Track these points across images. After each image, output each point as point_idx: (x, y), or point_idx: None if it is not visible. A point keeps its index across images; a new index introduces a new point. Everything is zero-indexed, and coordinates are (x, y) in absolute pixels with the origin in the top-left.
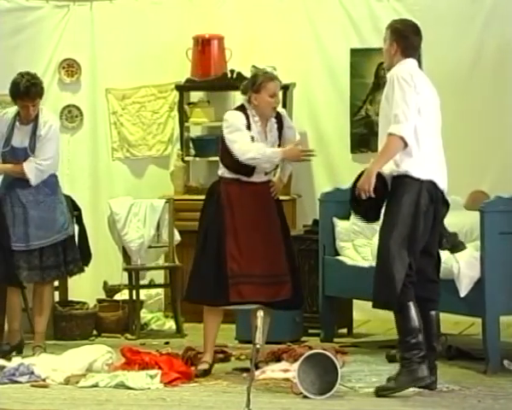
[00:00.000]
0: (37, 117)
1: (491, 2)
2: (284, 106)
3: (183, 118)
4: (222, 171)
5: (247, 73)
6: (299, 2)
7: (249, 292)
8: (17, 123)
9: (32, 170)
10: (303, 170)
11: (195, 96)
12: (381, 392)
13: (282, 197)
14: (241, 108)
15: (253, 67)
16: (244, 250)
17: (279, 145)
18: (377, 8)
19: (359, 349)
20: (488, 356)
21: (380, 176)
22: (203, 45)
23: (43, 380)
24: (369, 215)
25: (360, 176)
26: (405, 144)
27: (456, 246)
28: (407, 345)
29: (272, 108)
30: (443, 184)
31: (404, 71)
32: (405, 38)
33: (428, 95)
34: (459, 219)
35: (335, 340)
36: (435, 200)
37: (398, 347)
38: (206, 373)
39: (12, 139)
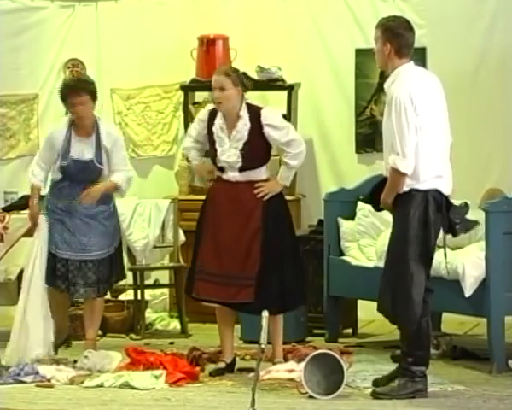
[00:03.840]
0: (97, 128)
1: (497, 2)
2: (289, 106)
3: (188, 118)
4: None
5: (252, 74)
6: (303, 3)
7: (205, 290)
8: (73, 134)
9: (124, 181)
10: (307, 170)
11: (200, 96)
12: (378, 395)
13: (286, 197)
14: None
15: (258, 67)
16: (211, 248)
17: (249, 141)
18: (382, 8)
19: (364, 349)
20: (493, 356)
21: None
22: (208, 45)
23: (48, 380)
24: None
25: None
26: (407, 177)
27: (469, 228)
28: (415, 359)
29: (215, 104)
30: (447, 190)
31: (403, 94)
32: (399, 35)
33: (431, 105)
34: None
35: (340, 340)
36: (440, 207)
37: (403, 357)
38: (220, 372)
39: (70, 152)
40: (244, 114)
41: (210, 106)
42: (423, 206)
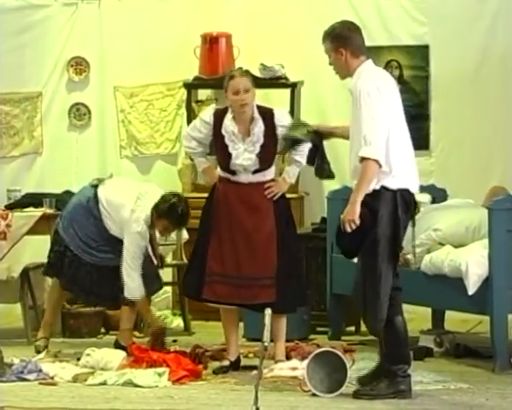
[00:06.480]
0: None
1: (498, 1)
2: (292, 104)
3: (191, 116)
4: (218, 168)
5: (256, 72)
6: (306, 1)
7: (224, 292)
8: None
9: None
10: (310, 168)
11: (203, 93)
12: (359, 395)
13: (289, 195)
14: (225, 108)
15: (261, 65)
16: (225, 250)
17: (265, 144)
18: (385, 6)
19: (367, 347)
20: (496, 354)
21: (363, 204)
22: (211, 43)
23: (52, 378)
24: (353, 249)
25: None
26: (380, 165)
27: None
28: (393, 358)
29: (239, 106)
30: (415, 188)
31: (368, 84)
32: (349, 38)
33: (393, 97)
34: (467, 216)
35: (343, 338)
36: (409, 206)
37: (383, 358)
38: (224, 370)
39: None
40: (257, 116)
41: (212, 107)
42: (392, 205)
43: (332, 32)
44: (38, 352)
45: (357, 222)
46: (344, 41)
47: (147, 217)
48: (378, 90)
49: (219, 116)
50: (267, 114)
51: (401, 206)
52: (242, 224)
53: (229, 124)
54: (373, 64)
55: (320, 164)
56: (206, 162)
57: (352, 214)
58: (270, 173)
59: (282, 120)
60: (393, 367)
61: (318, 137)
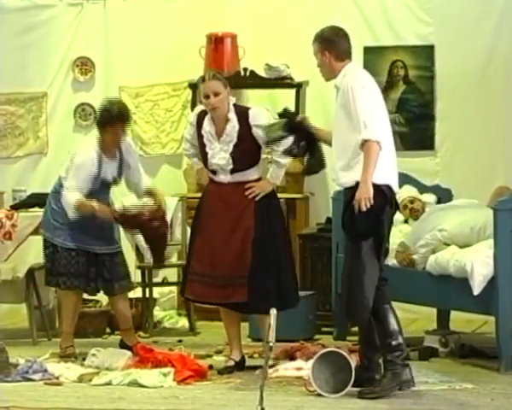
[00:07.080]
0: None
1: (504, 1)
2: (297, 104)
3: None
4: None
5: (261, 72)
6: (311, 0)
7: (201, 291)
8: (104, 158)
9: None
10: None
11: None
12: (364, 395)
13: (294, 196)
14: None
15: (267, 65)
16: (205, 249)
17: (239, 143)
18: (390, 6)
19: None
20: (501, 354)
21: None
22: (216, 43)
23: (57, 378)
24: (368, 230)
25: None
26: (380, 148)
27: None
28: (388, 348)
29: (210, 110)
30: (396, 187)
31: (358, 78)
32: (334, 42)
33: (380, 99)
34: (472, 216)
35: (348, 338)
36: (391, 203)
37: (380, 350)
38: (229, 370)
39: (101, 175)
40: (232, 116)
41: (198, 108)
42: (377, 199)
43: (321, 35)
44: (70, 359)
45: (372, 201)
46: (330, 44)
47: (93, 144)
48: (367, 85)
49: (201, 117)
50: (242, 114)
51: (384, 201)
52: (221, 223)
53: (207, 124)
54: (357, 65)
55: (309, 159)
56: (199, 163)
57: (367, 192)
58: (252, 174)
59: (257, 119)
60: (389, 357)
61: (304, 127)
